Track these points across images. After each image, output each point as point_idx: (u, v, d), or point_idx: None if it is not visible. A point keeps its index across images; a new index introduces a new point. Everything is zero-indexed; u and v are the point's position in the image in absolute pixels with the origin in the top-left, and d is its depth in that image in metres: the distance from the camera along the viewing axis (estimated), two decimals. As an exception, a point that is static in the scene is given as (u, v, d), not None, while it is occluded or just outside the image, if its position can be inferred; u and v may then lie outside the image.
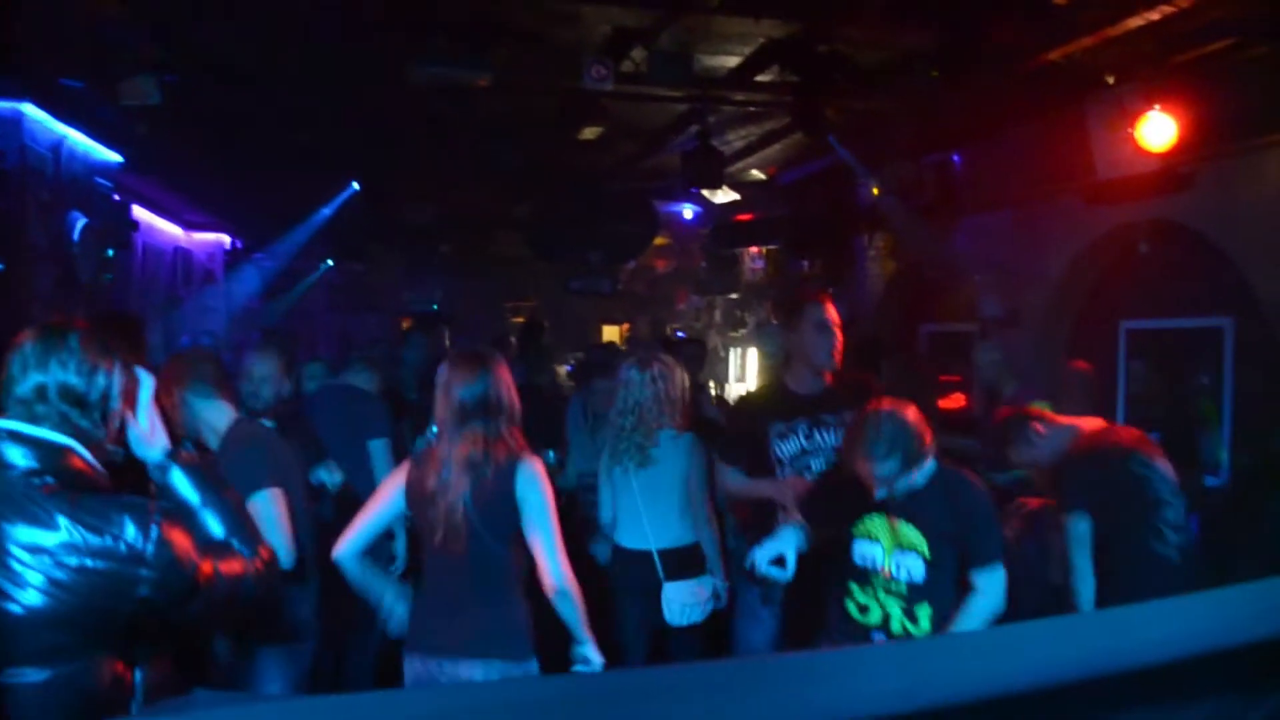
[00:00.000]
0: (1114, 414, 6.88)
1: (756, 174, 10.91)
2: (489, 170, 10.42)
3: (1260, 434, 6.12)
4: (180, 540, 1.97)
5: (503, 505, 3.21)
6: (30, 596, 1.84)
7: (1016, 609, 3.38)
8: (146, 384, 2.18)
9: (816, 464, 4.19)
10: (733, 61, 7.39)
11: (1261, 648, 1.91)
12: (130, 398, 2.15)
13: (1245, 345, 6.51)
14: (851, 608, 3.46)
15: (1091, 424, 4.26)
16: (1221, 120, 5.94)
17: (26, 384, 2.01)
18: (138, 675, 1.99)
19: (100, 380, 2.07)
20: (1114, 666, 1.76)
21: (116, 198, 9.32)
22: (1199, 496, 5.12)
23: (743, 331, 13.35)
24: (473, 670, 3.20)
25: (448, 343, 7.38)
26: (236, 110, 8.29)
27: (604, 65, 6.71)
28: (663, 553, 4.53)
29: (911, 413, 3.32)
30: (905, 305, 10.00)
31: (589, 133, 8.07)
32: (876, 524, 3.43)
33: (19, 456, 1.95)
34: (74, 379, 2.03)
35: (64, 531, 1.86)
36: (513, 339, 9.67)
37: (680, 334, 12.48)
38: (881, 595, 3.40)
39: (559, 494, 3.46)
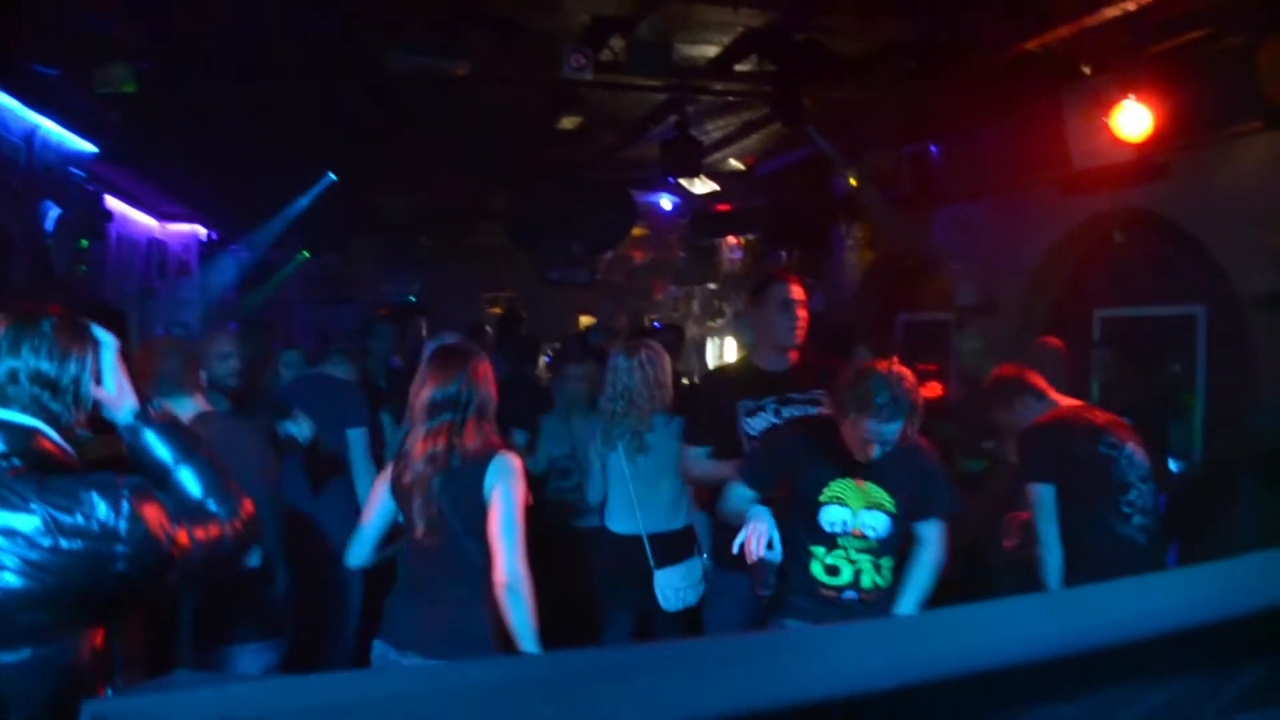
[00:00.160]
0: (1087, 399, 6.94)
1: (735, 164, 10.92)
2: (467, 161, 10.39)
3: (1232, 420, 6.20)
4: (153, 514, 1.96)
5: (473, 498, 3.23)
6: (6, 579, 1.83)
7: None
8: (109, 347, 2.15)
9: None
10: (711, 51, 7.39)
11: (1231, 625, 1.94)
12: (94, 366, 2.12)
13: (1218, 333, 6.59)
14: (818, 570, 3.49)
15: (1071, 404, 4.31)
16: (1196, 110, 5.99)
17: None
18: (116, 652, 1.99)
19: (72, 366, 2.06)
20: (1088, 644, 1.79)
21: (90, 188, 9.24)
22: (1166, 481, 5.16)
23: (721, 322, 13.38)
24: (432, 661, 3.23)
25: (425, 333, 7.37)
26: (213, 99, 8.23)
27: (583, 54, 6.70)
28: (653, 537, 4.56)
29: (909, 373, 3.37)
30: (882, 295, 10.05)
31: (568, 122, 8.05)
32: (843, 487, 3.48)
33: None
34: (46, 364, 2.03)
35: (36, 513, 1.85)
36: (488, 328, 9.66)
37: (657, 324, 12.49)
38: (853, 554, 3.48)
39: (529, 479, 3.48)
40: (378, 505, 3.49)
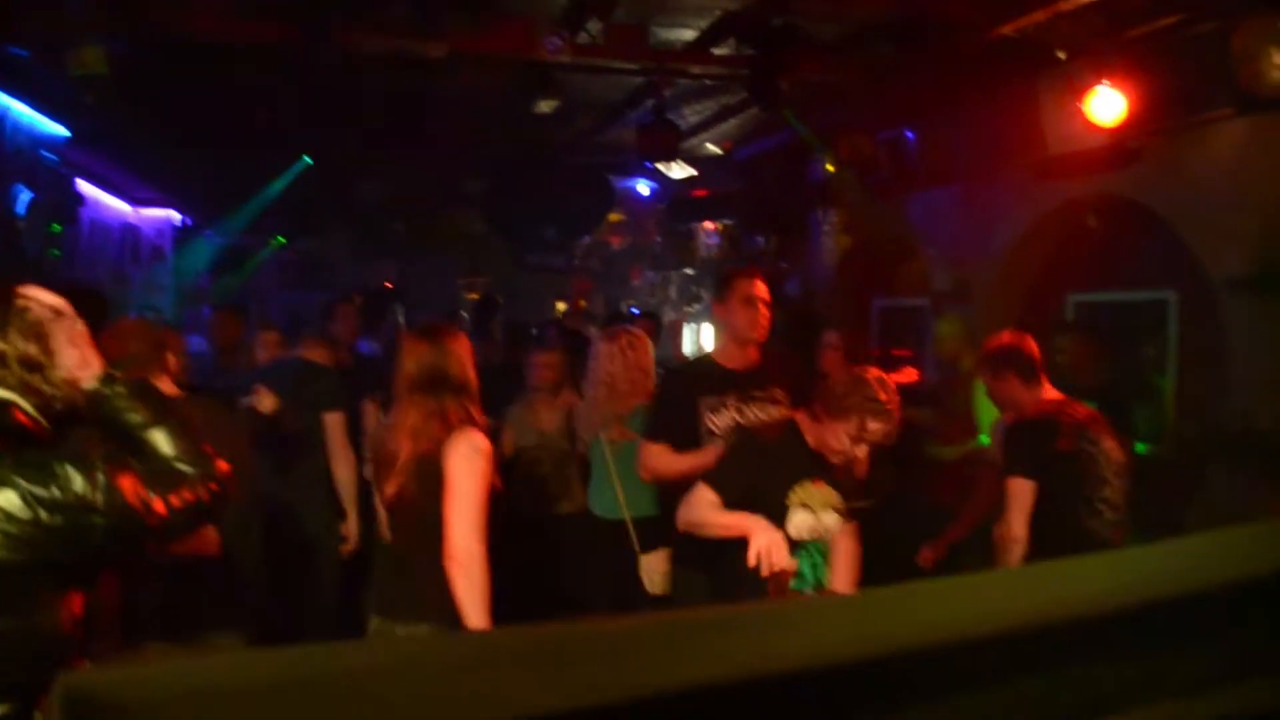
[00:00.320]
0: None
1: (713, 148, 10.92)
2: (443, 146, 10.34)
3: (1202, 404, 6.26)
4: (128, 484, 1.95)
5: (437, 473, 3.25)
6: None
7: None
8: (67, 314, 2.12)
9: None
10: (689, 34, 7.37)
11: (1191, 600, 1.97)
12: (51, 334, 2.09)
13: (1189, 317, 6.65)
14: (798, 582, 3.50)
15: (1051, 394, 4.34)
16: (1169, 95, 6.02)
17: None
18: (92, 626, 2.00)
19: (50, 343, 2.05)
20: (1057, 617, 1.81)
21: (63, 171, 9.15)
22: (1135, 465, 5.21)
23: (698, 307, 13.39)
24: (406, 632, 3.26)
25: (401, 319, 7.35)
26: (186, 83, 8.15)
27: (560, 37, 6.68)
28: (638, 522, 4.56)
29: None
30: (859, 280, 10.07)
31: (545, 106, 8.02)
32: (806, 490, 3.50)
33: None
34: (34, 348, 2.02)
35: (12, 488, 1.84)
36: (464, 314, 9.64)
37: (635, 310, 12.49)
38: (815, 555, 3.53)
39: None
40: None
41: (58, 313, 2.10)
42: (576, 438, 5.29)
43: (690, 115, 9.60)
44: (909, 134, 8.25)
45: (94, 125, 8.98)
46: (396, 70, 7.44)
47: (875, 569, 3.75)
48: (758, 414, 4.12)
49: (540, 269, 13.15)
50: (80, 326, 2.12)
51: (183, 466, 2.09)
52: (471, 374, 3.42)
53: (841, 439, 3.40)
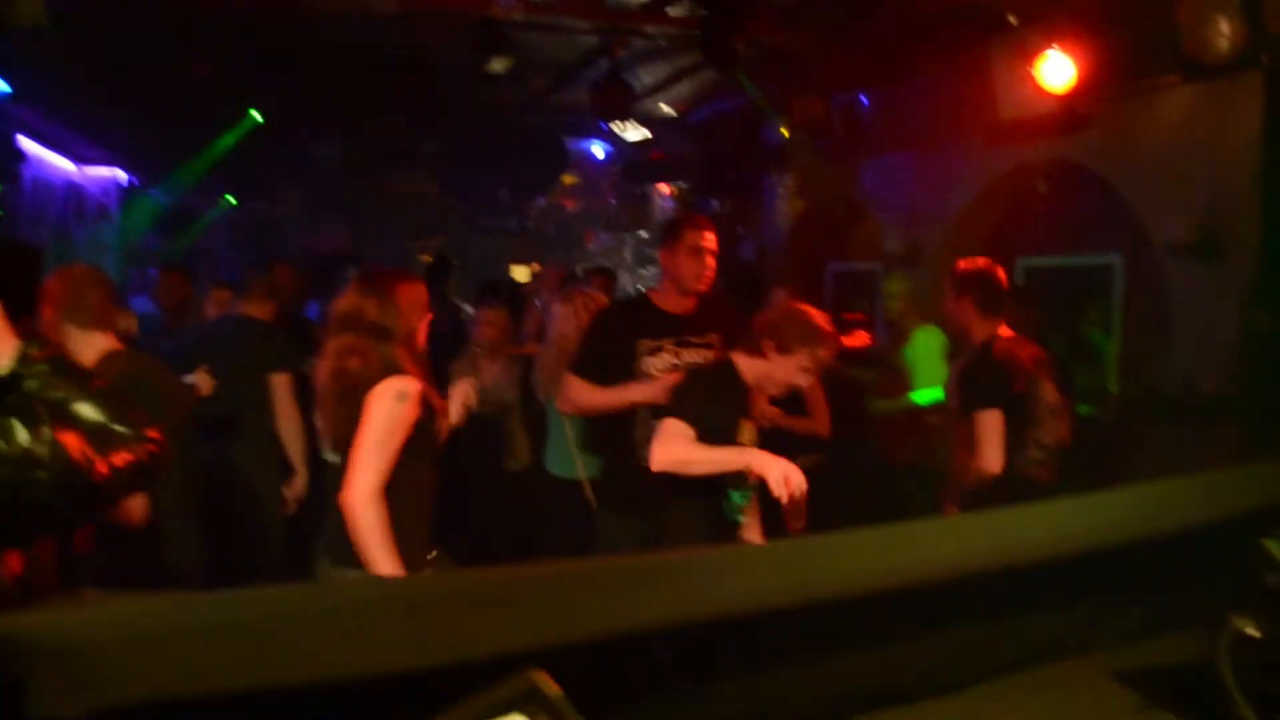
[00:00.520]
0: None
1: (667, 109, 10.88)
2: (394, 105, 10.21)
3: (1145, 366, 6.38)
4: (73, 441, 1.92)
5: (358, 416, 3.19)
6: None
7: None
8: None
9: None
10: (644, -6, 7.34)
11: (1134, 549, 2.01)
12: None
13: (1134, 281, 6.75)
14: (733, 512, 3.59)
15: (1005, 331, 4.40)
16: (1117, 61, 6.08)
17: None
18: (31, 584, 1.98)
19: None
20: (995, 564, 1.84)
21: (3, 128, 8.95)
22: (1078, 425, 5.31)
23: (653, 270, 13.38)
24: (336, 575, 3.24)
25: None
26: (132, 37, 7.98)
27: (513, -6, 6.63)
28: (594, 481, 4.56)
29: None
30: (812, 244, 10.12)
31: (498, 65, 7.94)
32: (746, 428, 3.58)
33: None
34: None
35: None
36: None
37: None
38: (750, 492, 3.62)
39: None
40: None
41: None
42: (534, 397, 5.30)
43: (645, 76, 9.55)
44: (863, 98, 8.27)
45: (36, 81, 8.77)
46: (347, 26, 7.34)
47: (823, 520, 3.79)
48: (694, 359, 4.07)
49: (494, 230, 13.06)
50: None
51: (118, 428, 2.06)
52: (411, 324, 3.36)
53: (793, 373, 3.47)
